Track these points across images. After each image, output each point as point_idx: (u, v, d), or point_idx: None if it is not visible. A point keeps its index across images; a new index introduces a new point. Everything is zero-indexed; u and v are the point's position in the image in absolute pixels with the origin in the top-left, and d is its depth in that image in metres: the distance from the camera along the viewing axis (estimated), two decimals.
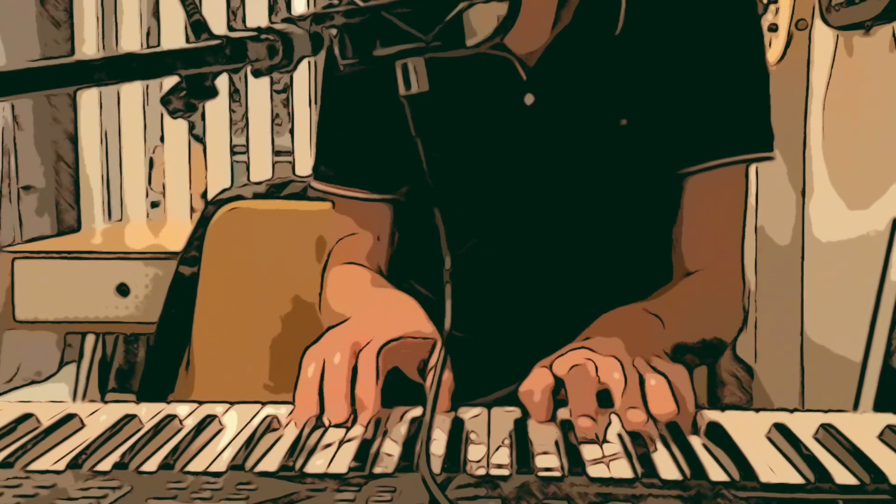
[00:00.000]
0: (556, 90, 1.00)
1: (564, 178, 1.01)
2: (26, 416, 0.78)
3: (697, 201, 1.03)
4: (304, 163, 2.93)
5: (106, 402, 0.84)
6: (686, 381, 0.76)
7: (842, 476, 0.65)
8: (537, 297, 1.04)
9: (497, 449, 0.71)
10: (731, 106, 1.02)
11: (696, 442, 0.72)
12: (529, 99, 1.00)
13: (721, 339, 1.02)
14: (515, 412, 0.80)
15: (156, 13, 2.91)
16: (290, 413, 0.78)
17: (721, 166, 1.02)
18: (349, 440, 0.73)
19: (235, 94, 2.93)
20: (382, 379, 0.79)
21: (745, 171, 1.04)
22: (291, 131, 2.93)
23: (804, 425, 0.74)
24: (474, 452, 0.70)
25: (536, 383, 0.79)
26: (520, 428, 0.74)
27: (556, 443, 0.72)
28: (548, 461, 0.68)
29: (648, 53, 0.99)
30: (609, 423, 0.77)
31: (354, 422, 0.77)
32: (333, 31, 0.67)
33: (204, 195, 2.95)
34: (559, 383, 0.78)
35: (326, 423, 0.76)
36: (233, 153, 2.95)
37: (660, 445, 0.71)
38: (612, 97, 1.00)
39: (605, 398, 0.80)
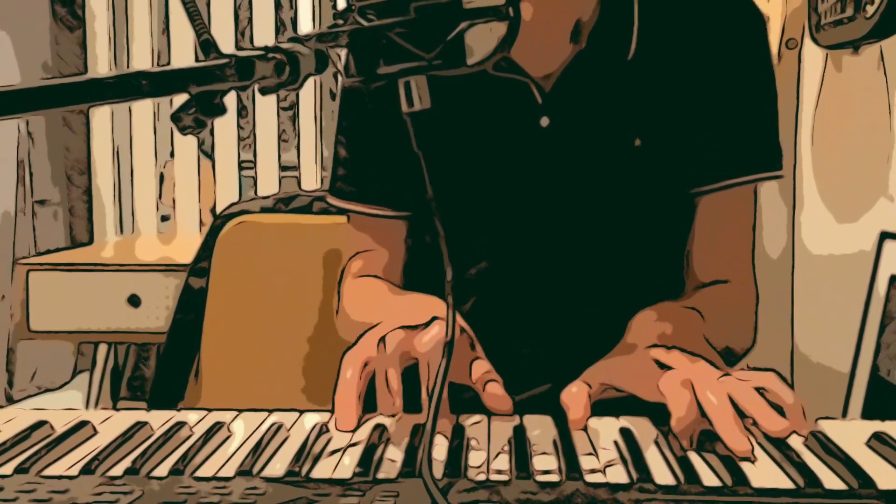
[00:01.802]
0: (571, 113, 1.01)
1: (578, 198, 1.02)
2: (41, 423, 0.80)
3: (711, 220, 1.05)
4: (310, 177, 2.95)
5: (118, 410, 0.85)
6: (776, 380, 0.75)
7: (831, 481, 0.66)
8: (551, 312, 1.05)
9: (497, 455, 0.72)
10: (743, 127, 1.03)
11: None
12: (545, 121, 1.01)
13: (737, 350, 1.03)
14: (514, 419, 0.81)
15: (166, 33, 2.94)
16: (332, 420, 0.78)
17: (734, 186, 1.03)
18: (353, 445, 0.75)
19: (243, 111, 2.95)
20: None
21: (755, 189, 1.06)
22: (297, 147, 2.95)
23: None
24: (475, 458, 0.72)
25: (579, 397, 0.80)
26: (519, 435, 0.75)
27: (555, 448, 0.74)
28: (546, 467, 0.69)
29: (660, 76, 1.01)
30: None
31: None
32: (340, 50, 0.69)
33: (213, 209, 2.97)
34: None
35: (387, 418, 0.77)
36: (241, 168, 2.97)
37: (654, 451, 0.73)
38: (625, 119, 1.01)
39: (604, 404, 0.82)
